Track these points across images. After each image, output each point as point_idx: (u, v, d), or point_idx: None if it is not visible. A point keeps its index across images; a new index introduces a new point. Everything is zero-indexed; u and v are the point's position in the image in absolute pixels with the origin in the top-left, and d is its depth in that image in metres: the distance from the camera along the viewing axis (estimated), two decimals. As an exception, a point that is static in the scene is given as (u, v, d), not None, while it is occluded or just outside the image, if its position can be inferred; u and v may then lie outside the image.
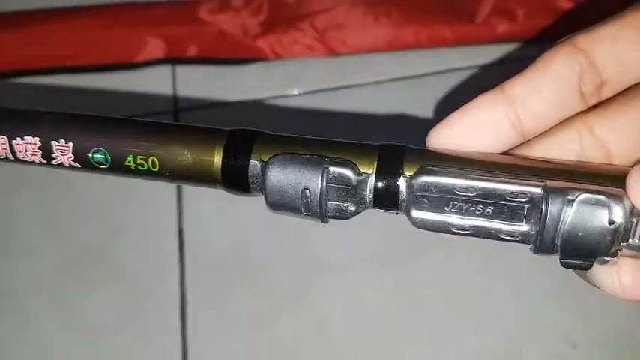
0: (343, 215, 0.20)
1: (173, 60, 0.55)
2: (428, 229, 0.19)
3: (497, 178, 0.19)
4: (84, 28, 0.55)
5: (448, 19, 0.56)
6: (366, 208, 0.20)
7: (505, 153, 0.21)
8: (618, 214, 0.18)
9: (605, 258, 0.18)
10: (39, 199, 0.51)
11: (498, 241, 0.19)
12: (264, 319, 0.46)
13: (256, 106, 0.53)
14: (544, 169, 0.19)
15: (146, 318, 0.47)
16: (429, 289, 0.46)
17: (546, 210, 0.18)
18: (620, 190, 0.18)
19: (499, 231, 0.19)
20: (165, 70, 0.55)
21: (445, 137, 0.20)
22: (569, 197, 0.18)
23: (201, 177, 0.21)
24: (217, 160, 0.21)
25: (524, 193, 0.18)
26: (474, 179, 0.19)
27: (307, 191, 0.19)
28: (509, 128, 0.20)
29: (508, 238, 0.19)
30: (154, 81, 0.54)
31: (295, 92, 0.54)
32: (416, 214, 0.19)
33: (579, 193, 0.18)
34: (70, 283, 0.48)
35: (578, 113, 0.21)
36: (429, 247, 0.46)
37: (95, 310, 0.47)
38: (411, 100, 0.53)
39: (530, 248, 0.19)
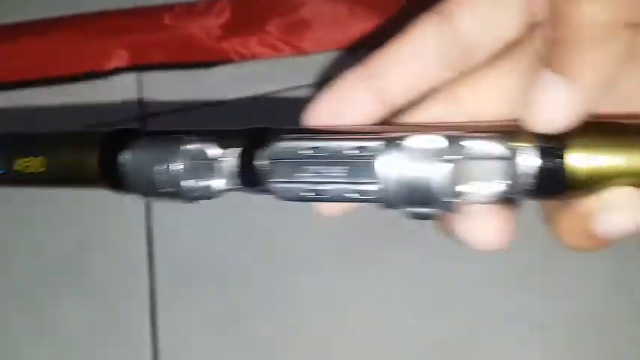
0: (207, 195, 0.20)
1: (140, 67, 0.55)
2: (290, 199, 0.19)
3: (341, 137, 0.19)
4: (48, 42, 0.55)
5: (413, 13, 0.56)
6: (234, 186, 0.20)
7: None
8: (452, 157, 0.18)
9: (449, 202, 0.18)
10: (9, 213, 0.51)
11: (358, 203, 0.19)
12: (235, 318, 0.46)
13: (223, 108, 0.53)
14: (399, 128, 0.19)
15: (117, 324, 0.47)
16: (395, 279, 0.46)
17: (381, 160, 0.18)
18: (457, 132, 0.18)
19: (356, 190, 0.19)
20: (132, 78, 0.55)
21: (316, 115, 0.20)
22: (404, 144, 0.18)
23: (84, 181, 0.22)
24: (94, 162, 0.21)
25: (365, 147, 0.18)
26: (319, 140, 0.19)
27: (167, 170, 0.20)
28: (374, 101, 0.20)
29: (364, 197, 0.19)
30: (122, 89, 0.55)
31: (262, 92, 0.53)
32: (275, 184, 0.19)
33: (411, 137, 0.18)
34: (42, 294, 0.48)
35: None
36: (393, 238, 0.46)
37: (67, 319, 0.48)
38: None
39: (382, 205, 0.19)
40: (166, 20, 0.55)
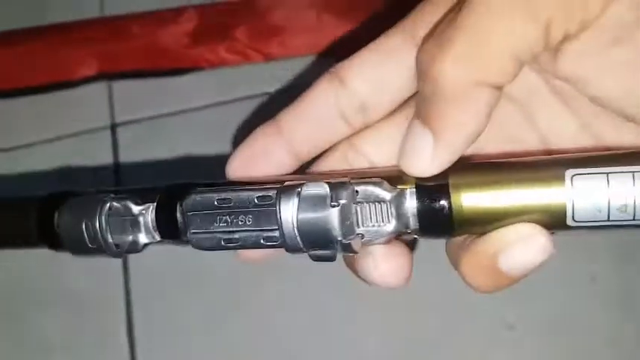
0: (133, 249, 0.22)
1: (109, 76, 0.55)
2: (206, 249, 0.21)
3: (247, 188, 0.20)
4: (16, 53, 0.55)
5: (381, 19, 0.57)
6: (154, 240, 0.22)
7: None
8: (340, 200, 0.19)
9: (343, 243, 0.19)
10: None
11: (266, 249, 0.20)
12: (211, 325, 0.46)
13: (193, 115, 0.53)
14: (302, 177, 0.21)
15: (94, 334, 0.47)
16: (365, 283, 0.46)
17: (279, 207, 0.19)
18: (345, 178, 0.19)
19: (261, 237, 0.20)
20: (101, 87, 0.55)
21: (234, 169, 0.22)
22: (298, 191, 0.19)
23: (25, 243, 0.24)
24: (32, 226, 0.23)
25: (265, 197, 0.19)
26: (227, 191, 0.20)
27: (93, 227, 0.21)
28: (285, 155, 0.22)
29: (270, 243, 0.20)
30: (91, 98, 0.54)
31: (233, 98, 0.54)
32: (191, 235, 0.21)
33: (304, 186, 0.19)
34: (16, 306, 0.48)
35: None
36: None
37: (43, 331, 0.47)
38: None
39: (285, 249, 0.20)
40: (134, 29, 0.56)
